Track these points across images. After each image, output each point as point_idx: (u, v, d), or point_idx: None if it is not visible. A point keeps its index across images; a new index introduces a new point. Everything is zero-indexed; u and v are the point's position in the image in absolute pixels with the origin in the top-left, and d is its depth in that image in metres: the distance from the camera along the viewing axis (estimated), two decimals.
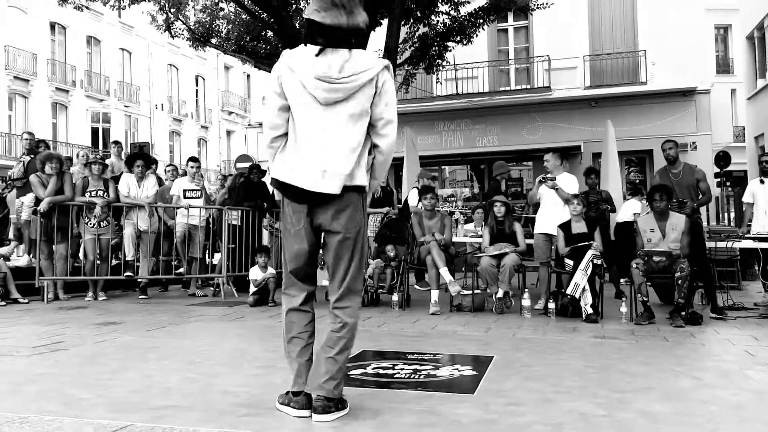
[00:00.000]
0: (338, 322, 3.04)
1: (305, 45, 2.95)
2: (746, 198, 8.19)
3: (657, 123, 16.87)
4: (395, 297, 7.40)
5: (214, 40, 13.23)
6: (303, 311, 3.17)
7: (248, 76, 40.50)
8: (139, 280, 8.59)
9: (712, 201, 17.92)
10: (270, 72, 13.37)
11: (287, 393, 3.14)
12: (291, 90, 2.96)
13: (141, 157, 8.91)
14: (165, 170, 10.29)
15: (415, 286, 9.36)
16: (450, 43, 12.91)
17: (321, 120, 2.94)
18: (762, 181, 7.88)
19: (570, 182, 7.41)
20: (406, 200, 9.91)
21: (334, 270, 3.12)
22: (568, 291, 6.59)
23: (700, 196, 7.06)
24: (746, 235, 7.54)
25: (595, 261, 6.55)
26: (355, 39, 2.93)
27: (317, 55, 2.89)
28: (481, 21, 12.61)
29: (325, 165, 2.92)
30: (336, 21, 2.86)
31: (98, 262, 8.35)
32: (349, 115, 2.93)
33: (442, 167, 18.56)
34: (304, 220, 3.07)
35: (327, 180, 2.92)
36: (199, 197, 8.98)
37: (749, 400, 3.39)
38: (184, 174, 9.80)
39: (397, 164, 14.66)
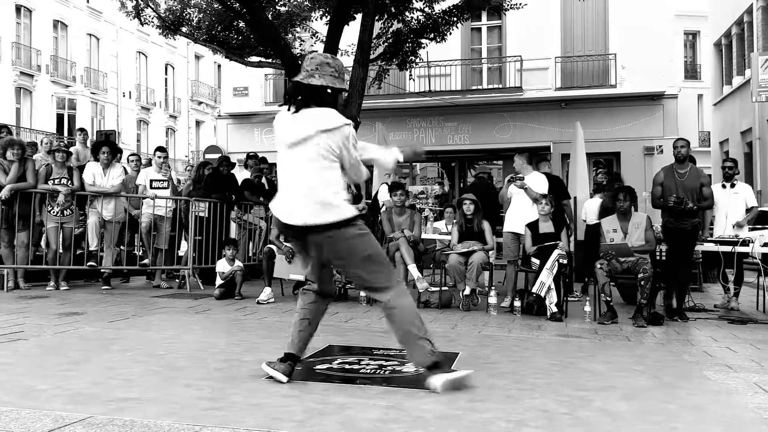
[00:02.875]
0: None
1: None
2: None
3: (625, 126, 17.13)
4: (363, 293, 7.39)
5: (184, 29, 13.03)
6: (307, 291, 3.77)
7: (219, 66, 39.96)
8: (102, 270, 8.44)
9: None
10: (241, 62, 13.24)
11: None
12: None
13: (106, 145, 8.75)
14: (128, 159, 10.13)
15: None
16: (423, 40, 12.91)
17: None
18: (724, 186, 8.04)
19: (539, 182, 7.48)
20: (375, 195, 9.91)
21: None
22: (534, 289, 6.66)
23: (702, 201, 6.85)
24: (708, 239, 7.70)
25: (560, 260, 6.63)
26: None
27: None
28: (455, 19, 12.63)
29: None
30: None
31: (61, 251, 8.19)
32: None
33: (413, 164, 18.60)
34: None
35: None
36: (165, 188, 8.86)
37: (706, 400, 3.47)
38: (149, 164, 9.66)
39: None
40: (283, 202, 3.55)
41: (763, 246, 7.21)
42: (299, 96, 3.54)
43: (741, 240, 7.19)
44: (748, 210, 7.95)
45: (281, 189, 3.60)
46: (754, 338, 5.61)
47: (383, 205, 8.67)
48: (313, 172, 3.44)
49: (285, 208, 3.52)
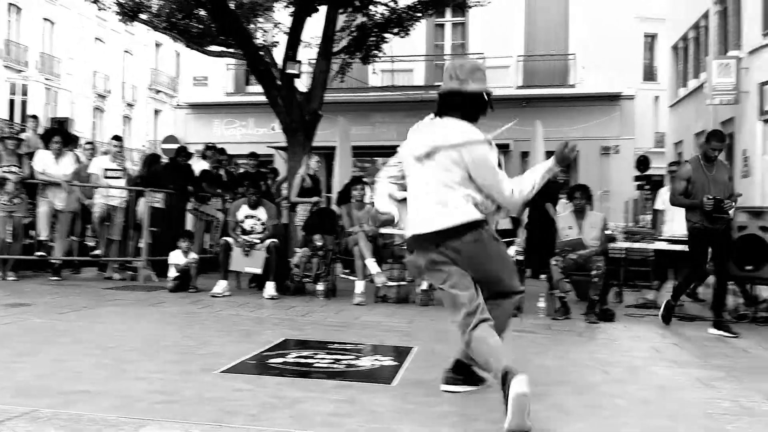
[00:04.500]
0: None
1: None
2: (657, 205, 8.54)
3: (583, 125, 17.38)
4: (320, 286, 7.36)
5: (143, 16, 12.70)
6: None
7: (179, 54, 39.25)
8: (52, 261, 8.22)
9: (630, 203, 18.66)
10: (201, 51, 13.01)
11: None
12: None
13: (59, 133, 8.52)
14: (84, 148, 9.89)
15: (342, 275, 9.32)
16: (387, 35, 12.88)
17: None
18: None
19: None
20: (346, 186, 9.76)
21: None
22: None
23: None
24: (660, 238, 7.86)
25: (517, 257, 6.71)
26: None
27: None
28: (419, 14, 12.63)
29: None
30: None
31: (9, 240, 7.95)
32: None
33: (375, 159, 18.57)
34: None
35: None
36: (120, 177, 8.66)
37: (654, 395, 3.55)
38: (106, 153, 9.44)
39: (329, 153, 14.58)
40: (416, 214, 3.32)
41: None
42: (455, 104, 3.37)
43: None
44: None
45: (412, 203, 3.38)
46: (699, 335, 5.75)
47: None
48: (441, 185, 3.23)
49: (418, 218, 3.29)
